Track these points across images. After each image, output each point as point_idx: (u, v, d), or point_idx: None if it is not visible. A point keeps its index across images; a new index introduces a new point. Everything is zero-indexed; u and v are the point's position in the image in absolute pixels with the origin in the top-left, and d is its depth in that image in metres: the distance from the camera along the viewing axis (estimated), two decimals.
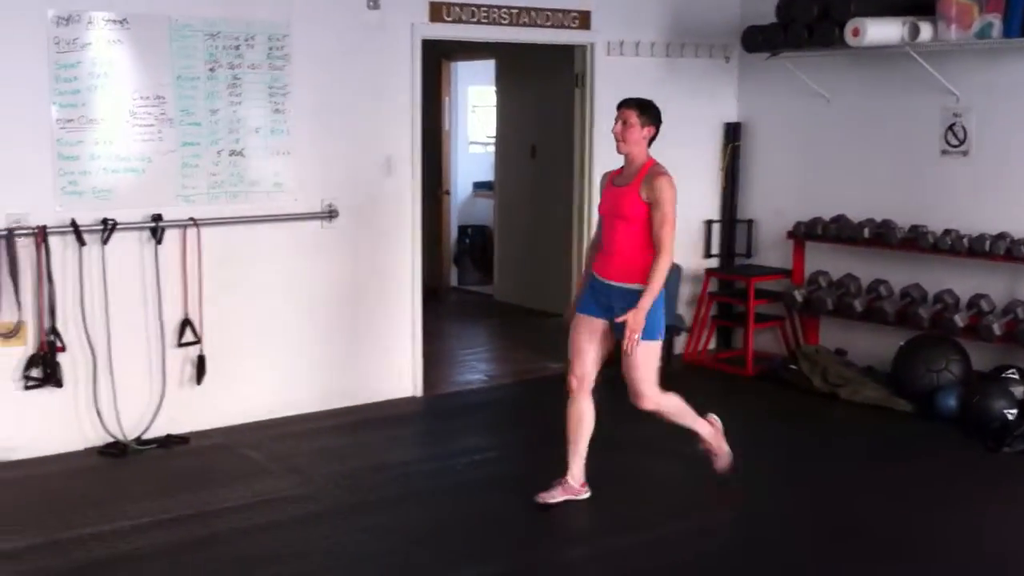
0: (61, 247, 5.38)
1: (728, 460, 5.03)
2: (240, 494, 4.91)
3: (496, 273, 9.71)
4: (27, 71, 5.24)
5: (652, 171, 4.68)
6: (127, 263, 5.60)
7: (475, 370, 7.33)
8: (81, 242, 5.39)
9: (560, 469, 4.79)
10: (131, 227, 5.56)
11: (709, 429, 5.00)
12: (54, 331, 5.34)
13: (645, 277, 4.60)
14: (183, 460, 5.44)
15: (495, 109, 9.73)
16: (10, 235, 5.21)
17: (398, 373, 6.54)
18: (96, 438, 5.54)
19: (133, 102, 5.53)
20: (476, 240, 10.47)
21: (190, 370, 5.84)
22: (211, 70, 5.71)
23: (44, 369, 5.35)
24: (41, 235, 5.28)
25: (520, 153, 9.19)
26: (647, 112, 4.72)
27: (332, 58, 6.11)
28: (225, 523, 4.59)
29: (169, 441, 5.63)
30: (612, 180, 4.84)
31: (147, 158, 5.59)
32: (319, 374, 6.22)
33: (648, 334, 4.62)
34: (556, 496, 4.74)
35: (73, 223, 5.37)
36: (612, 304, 4.70)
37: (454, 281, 10.32)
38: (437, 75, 9.49)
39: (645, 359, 4.66)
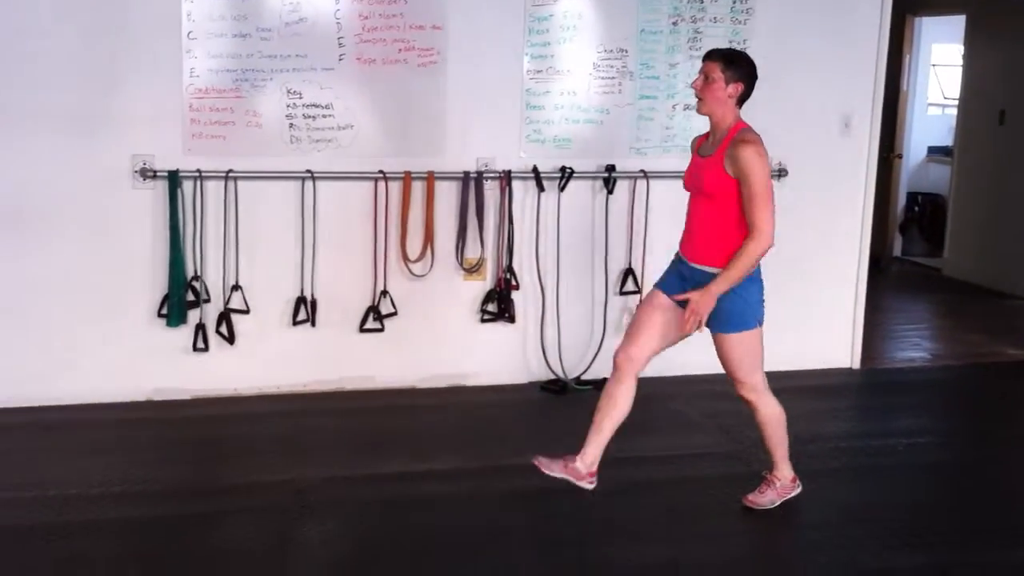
0: (522, 191, 5.72)
1: (766, 504, 4.31)
2: (672, 444, 5.00)
3: (948, 246, 9.06)
4: (507, 24, 5.58)
5: (737, 138, 3.96)
6: (579, 210, 5.83)
7: (918, 347, 6.91)
8: (540, 188, 5.69)
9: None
10: (586, 176, 5.78)
11: (790, 475, 4.35)
12: (510, 270, 5.70)
13: (728, 259, 3.96)
14: None
15: (960, 69, 9.01)
16: (479, 177, 5.61)
17: (836, 342, 6.31)
18: (540, 373, 5.86)
19: (597, 54, 5.71)
20: (926, 209, 9.86)
21: (628, 318, 5.97)
22: (674, 24, 5.75)
23: (499, 304, 5.74)
24: (505, 179, 5.63)
25: (986, 118, 8.46)
26: (734, 66, 4.00)
27: (794, 11, 5.93)
28: (659, 471, 4.68)
29: (605, 384, 5.82)
30: (698, 148, 4.19)
31: (605, 110, 5.76)
32: None
33: (736, 324, 4.05)
34: (555, 470, 4.13)
35: (535, 169, 5.67)
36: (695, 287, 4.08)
37: (897, 251, 9.78)
38: (899, 30, 8.94)
39: (738, 352, 4.11)
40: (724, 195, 3.96)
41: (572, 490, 4.13)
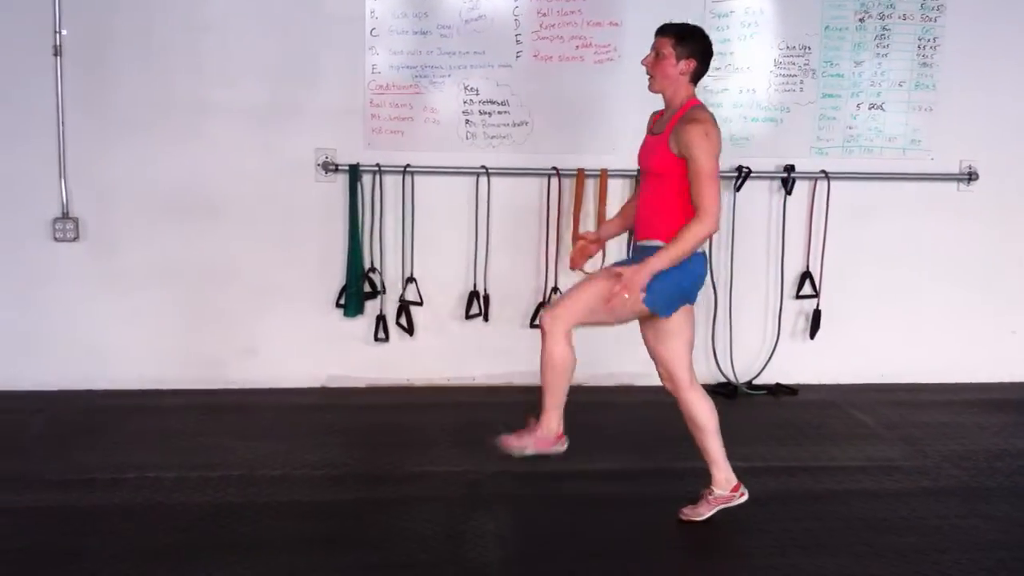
0: None
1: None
2: (850, 455, 4.81)
3: None
4: (686, 20, 5.46)
5: (685, 116, 3.76)
6: (755, 211, 5.69)
7: None
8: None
9: None
10: (763, 176, 5.64)
11: (729, 482, 4.04)
12: None
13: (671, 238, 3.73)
14: (791, 411, 5.46)
15: None
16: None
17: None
18: (709, 376, 5.75)
19: (778, 51, 5.56)
20: None
21: (803, 323, 5.83)
22: (860, 20, 5.56)
23: None
24: None
25: None
26: (686, 42, 3.81)
27: (990, 8, 5.65)
28: (835, 481, 4.51)
29: (778, 390, 5.69)
30: (652, 126, 3.99)
31: (785, 108, 5.61)
32: (934, 344, 5.87)
33: (670, 305, 3.82)
34: (526, 446, 3.92)
35: None
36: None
37: None
38: None
39: (673, 328, 3.90)
40: (670, 174, 3.77)
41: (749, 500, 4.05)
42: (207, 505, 4.09)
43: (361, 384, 5.58)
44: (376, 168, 5.37)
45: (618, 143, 5.47)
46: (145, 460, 4.50)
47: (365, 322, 5.55)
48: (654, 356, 4.04)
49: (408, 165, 5.40)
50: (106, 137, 5.24)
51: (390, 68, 5.33)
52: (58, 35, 5.09)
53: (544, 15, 5.35)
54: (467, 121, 5.41)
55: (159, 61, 5.22)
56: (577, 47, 5.39)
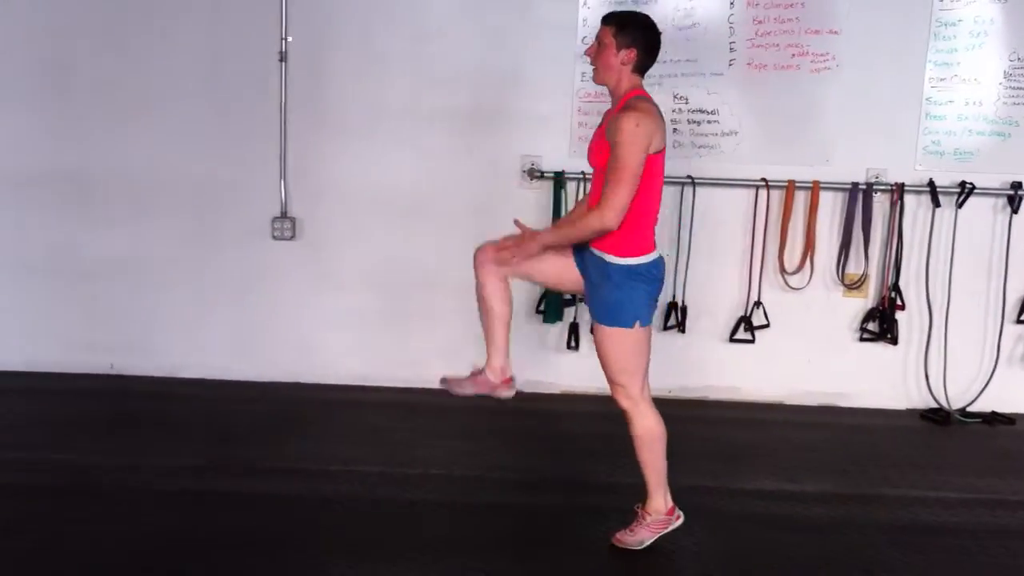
0: (914, 205, 5.38)
1: (634, 545, 3.76)
2: None
3: None
4: (908, 30, 5.27)
5: (624, 106, 3.50)
6: (977, 229, 5.40)
7: None
8: (936, 203, 5.32)
9: None
10: (988, 193, 5.35)
11: (664, 507, 3.79)
12: (896, 288, 5.37)
13: (617, 246, 3.53)
14: (1009, 441, 5.15)
15: None
16: (868, 189, 5.33)
17: None
18: (919, 401, 5.50)
19: (1008, 63, 5.26)
20: None
21: (1021, 349, 5.49)
22: None
23: (881, 324, 5.43)
24: (897, 192, 5.31)
25: None
26: (627, 30, 3.56)
27: None
28: None
29: (994, 418, 5.38)
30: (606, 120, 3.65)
31: (1014, 122, 5.30)
32: None
33: (611, 317, 3.57)
34: (467, 388, 3.94)
35: (931, 183, 5.31)
36: (587, 266, 3.67)
37: None
38: None
39: (610, 348, 3.64)
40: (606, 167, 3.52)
41: (949, 528, 3.82)
42: (406, 501, 4.18)
43: (555, 391, 5.60)
44: (581, 176, 5.38)
45: (832, 155, 5.31)
46: (350, 453, 4.64)
47: (560, 329, 5.56)
48: (610, 366, 3.76)
49: None
50: (324, 140, 5.46)
51: None
52: (284, 41, 5.33)
53: (760, 23, 5.23)
54: (675, 130, 5.35)
55: (377, 67, 5.40)
56: (793, 55, 5.24)
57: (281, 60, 5.35)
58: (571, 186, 5.41)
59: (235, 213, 5.54)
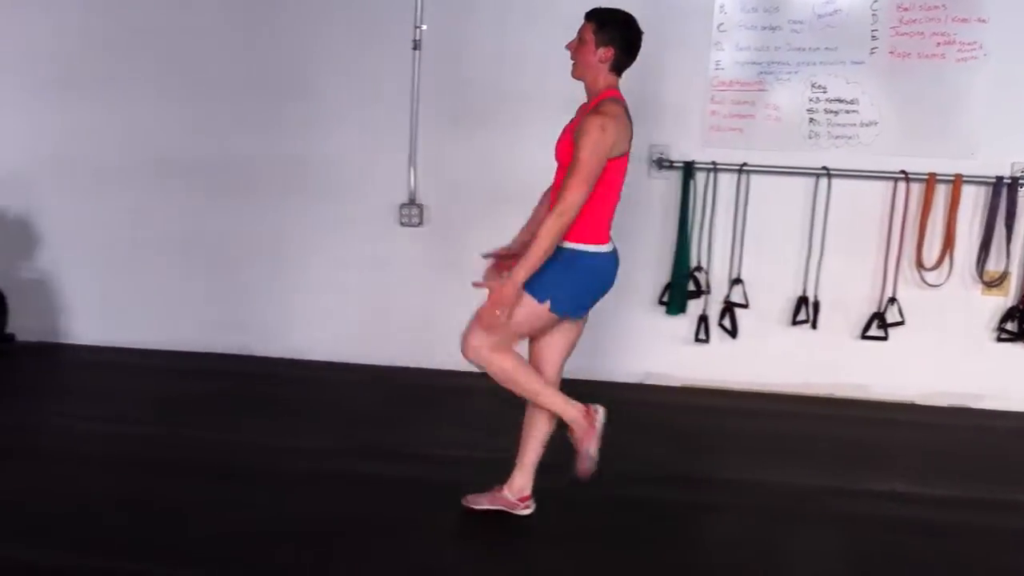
0: None
1: (589, 465, 3.72)
2: None
3: None
4: None
5: (596, 107, 3.50)
6: None
7: None
8: None
9: None
10: None
11: (579, 416, 3.73)
12: None
13: (569, 235, 3.47)
14: None
15: None
16: (1014, 183, 5.11)
17: None
18: None
19: None
20: None
21: None
22: None
23: (1020, 324, 5.22)
24: None
25: None
26: (606, 28, 3.55)
27: None
28: None
29: None
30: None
31: None
32: None
33: (531, 281, 3.45)
34: (483, 503, 3.87)
35: None
36: None
37: None
38: None
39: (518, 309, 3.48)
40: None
41: None
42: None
43: (678, 383, 5.54)
44: (711, 166, 5.29)
45: (977, 148, 5.10)
46: (470, 439, 4.67)
47: (686, 321, 5.49)
48: (530, 346, 3.76)
49: (744, 164, 5.27)
50: (453, 128, 5.48)
51: (734, 64, 5.22)
52: (418, 30, 5.37)
53: (905, 10, 5.05)
54: (811, 120, 5.21)
55: (508, 54, 5.40)
56: (939, 44, 5.05)
57: (415, 48, 5.39)
58: (700, 176, 5.32)
59: (364, 199, 5.62)
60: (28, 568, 3.39)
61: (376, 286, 5.69)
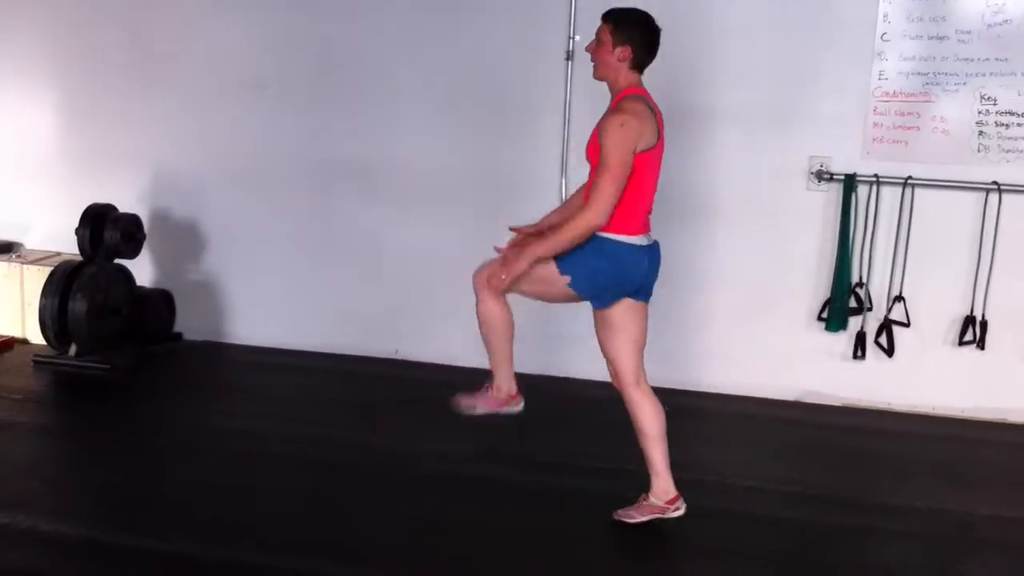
0: None
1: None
2: None
3: None
4: None
5: (616, 106, 3.61)
6: None
7: None
8: None
9: None
10: None
11: (668, 493, 3.83)
12: None
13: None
14: None
15: None
16: None
17: None
18: None
19: None
20: None
21: None
22: None
23: None
24: None
25: None
26: (622, 28, 3.61)
27: None
28: None
29: None
30: None
31: None
32: None
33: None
34: (477, 407, 3.87)
35: None
36: None
37: None
38: None
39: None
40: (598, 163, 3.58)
41: None
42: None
43: (836, 402, 5.38)
44: (874, 179, 5.13)
45: None
46: (618, 452, 4.62)
47: (845, 338, 5.33)
48: (601, 349, 3.86)
49: (909, 177, 5.10)
50: None
51: (898, 74, 5.06)
52: (572, 40, 5.38)
53: None
54: (980, 133, 5.01)
55: (665, 64, 5.33)
56: None
57: (568, 59, 5.40)
58: (863, 190, 5.16)
59: (515, 209, 5.61)
60: (196, 563, 3.52)
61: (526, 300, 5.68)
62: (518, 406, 3.93)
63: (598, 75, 3.73)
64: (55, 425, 4.84)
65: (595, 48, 3.71)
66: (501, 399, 3.89)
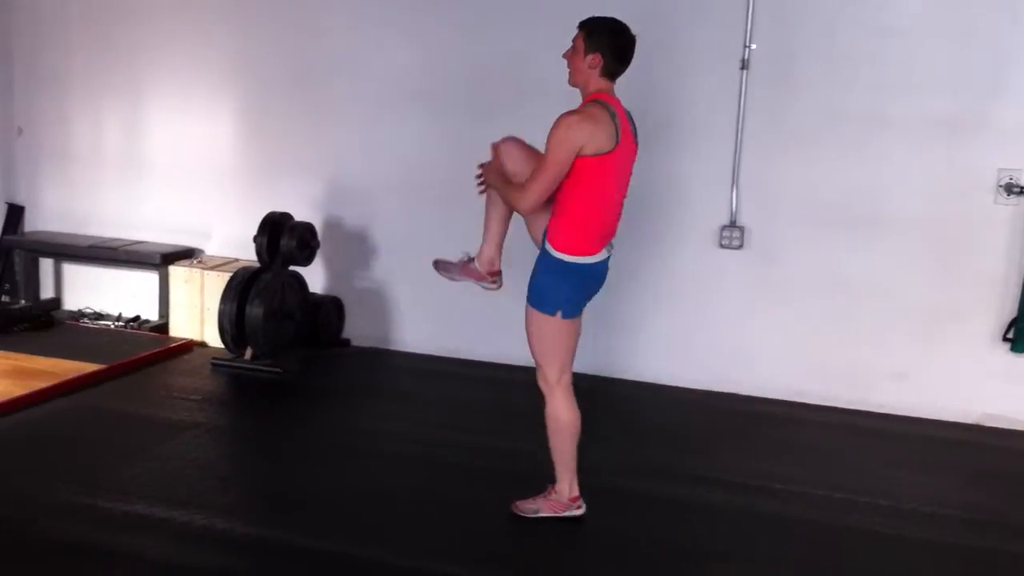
0: None
1: (528, 512, 3.90)
2: None
3: None
4: None
5: (576, 109, 3.64)
6: None
7: None
8: None
9: None
10: None
11: (568, 493, 3.91)
12: None
13: (557, 238, 3.66)
14: None
15: None
16: None
17: None
18: None
19: None
20: None
21: None
22: None
23: None
24: None
25: None
26: (593, 36, 3.64)
27: None
28: None
29: None
30: None
31: None
32: None
33: (532, 298, 3.75)
34: (455, 274, 4.14)
35: None
36: None
37: None
38: None
39: (531, 327, 3.79)
40: None
41: None
42: (854, 530, 3.97)
43: (1021, 427, 5.09)
44: None
45: None
46: (789, 472, 4.50)
47: None
48: (537, 352, 3.84)
49: None
50: (778, 149, 5.34)
51: None
52: (747, 49, 5.26)
53: None
54: None
55: (839, 72, 5.19)
56: None
57: (742, 68, 5.29)
58: None
59: (684, 220, 5.56)
60: (347, 562, 3.58)
61: (692, 307, 5.61)
62: (495, 285, 4.09)
63: (571, 81, 3.76)
64: (230, 426, 5.01)
65: (571, 55, 3.74)
66: (481, 273, 4.05)
